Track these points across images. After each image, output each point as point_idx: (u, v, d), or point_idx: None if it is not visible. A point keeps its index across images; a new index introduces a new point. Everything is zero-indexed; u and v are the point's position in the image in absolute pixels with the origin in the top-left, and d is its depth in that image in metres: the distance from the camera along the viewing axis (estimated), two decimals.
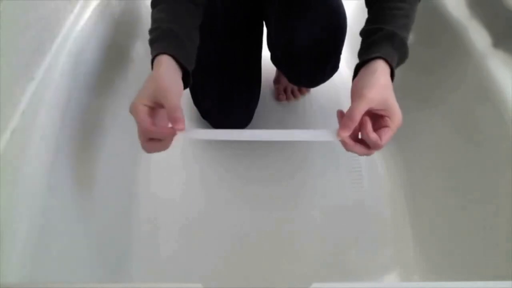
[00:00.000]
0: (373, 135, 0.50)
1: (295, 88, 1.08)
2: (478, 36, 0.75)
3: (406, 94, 0.96)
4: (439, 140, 0.80)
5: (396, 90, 1.03)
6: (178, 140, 0.51)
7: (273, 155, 0.95)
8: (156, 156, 0.90)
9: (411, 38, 0.98)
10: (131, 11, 0.95)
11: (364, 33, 0.60)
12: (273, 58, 0.88)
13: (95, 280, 0.60)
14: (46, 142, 0.54)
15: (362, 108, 0.51)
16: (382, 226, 0.82)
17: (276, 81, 1.11)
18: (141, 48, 0.99)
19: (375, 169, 0.92)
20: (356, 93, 0.53)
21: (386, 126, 0.52)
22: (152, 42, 0.57)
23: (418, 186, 0.83)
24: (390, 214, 0.83)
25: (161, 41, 0.55)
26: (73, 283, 0.54)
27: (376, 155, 0.93)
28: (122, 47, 0.89)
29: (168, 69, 0.54)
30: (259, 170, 0.91)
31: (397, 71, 0.59)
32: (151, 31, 0.58)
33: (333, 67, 0.83)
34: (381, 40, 0.57)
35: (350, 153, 0.56)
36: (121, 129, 0.83)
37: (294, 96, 1.08)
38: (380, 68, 0.55)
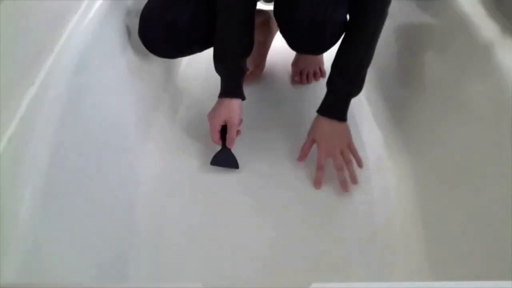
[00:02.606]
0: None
1: (311, 72, 1.13)
2: (486, 25, 0.72)
3: (409, 89, 0.95)
4: (450, 143, 0.78)
5: (399, 84, 1.00)
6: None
7: (276, 157, 0.94)
8: (157, 157, 0.94)
9: (417, 31, 0.95)
10: (137, 12, 0.95)
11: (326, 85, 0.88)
12: (278, 25, 0.91)
13: (95, 280, 0.61)
14: (45, 147, 0.55)
15: (321, 156, 0.86)
16: (391, 233, 0.80)
17: (294, 63, 1.16)
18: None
19: (385, 178, 0.90)
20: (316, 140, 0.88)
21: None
22: (228, 74, 0.88)
23: (429, 191, 0.81)
24: (399, 221, 0.81)
25: (237, 80, 0.88)
26: (73, 283, 0.56)
27: (385, 160, 0.93)
28: (127, 49, 0.89)
29: (239, 109, 0.88)
30: (261, 173, 0.91)
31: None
32: (224, 54, 0.87)
33: (333, 34, 0.85)
34: (327, 98, 0.88)
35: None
36: (122, 132, 0.84)
37: (308, 80, 1.13)
38: (322, 122, 0.87)
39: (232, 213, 0.84)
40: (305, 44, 0.89)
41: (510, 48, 0.67)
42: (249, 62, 1.11)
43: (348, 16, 0.85)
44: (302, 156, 0.90)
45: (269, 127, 1.01)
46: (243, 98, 0.88)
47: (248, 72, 1.10)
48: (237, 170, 0.90)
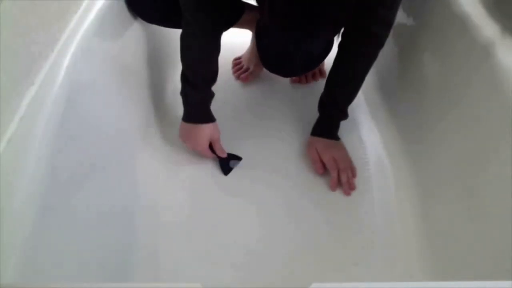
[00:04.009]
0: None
1: (309, 73, 1.13)
2: (486, 25, 0.72)
3: (409, 89, 0.95)
4: (450, 142, 0.78)
5: (399, 84, 1.01)
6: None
7: (275, 157, 0.94)
8: (157, 157, 0.94)
9: (416, 31, 0.96)
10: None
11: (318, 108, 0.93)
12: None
13: (95, 280, 0.61)
14: (45, 147, 0.55)
15: (328, 159, 0.89)
16: (391, 233, 0.80)
17: None
18: (148, 51, 0.99)
19: (385, 178, 0.90)
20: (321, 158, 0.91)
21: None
22: (201, 101, 0.89)
23: (428, 191, 0.81)
24: (399, 221, 0.81)
25: (209, 106, 0.90)
26: (73, 283, 0.56)
27: (385, 160, 0.94)
28: (127, 49, 0.89)
29: (216, 129, 0.91)
30: (260, 174, 0.91)
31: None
32: (197, 81, 0.86)
33: (304, 64, 0.90)
34: (320, 122, 0.93)
35: (359, 163, 0.92)
36: (122, 132, 0.84)
37: (307, 80, 1.13)
38: (317, 139, 0.92)
39: (232, 213, 0.84)
40: (274, 69, 0.96)
41: (510, 48, 0.67)
42: (249, 62, 1.12)
43: (338, 41, 0.86)
44: (319, 168, 0.89)
45: (268, 126, 1.01)
46: (215, 120, 0.91)
47: (248, 72, 1.11)
48: (237, 170, 0.91)
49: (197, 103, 0.89)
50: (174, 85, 1.12)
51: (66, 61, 0.64)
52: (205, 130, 0.89)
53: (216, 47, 0.85)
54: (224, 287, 0.71)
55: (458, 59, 0.78)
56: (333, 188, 0.86)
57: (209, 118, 0.90)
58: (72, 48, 0.66)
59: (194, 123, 0.89)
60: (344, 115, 0.91)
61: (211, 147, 0.91)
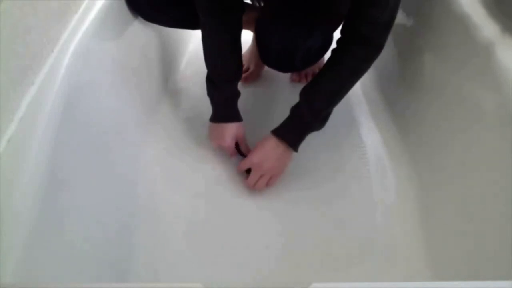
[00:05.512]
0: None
1: (309, 72, 1.14)
2: (486, 25, 0.72)
3: (409, 89, 0.95)
4: (450, 142, 0.78)
5: (399, 84, 1.00)
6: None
7: None
8: (157, 157, 0.93)
9: (416, 31, 0.96)
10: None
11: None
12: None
13: (95, 280, 0.61)
14: (45, 147, 0.55)
15: (245, 162, 0.86)
16: (391, 233, 0.79)
17: None
18: (148, 50, 0.99)
19: (385, 178, 0.90)
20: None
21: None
22: (226, 99, 0.89)
23: (428, 191, 0.81)
24: (399, 221, 0.81)
25: (235, 104, 0.90)
26: (73, 283, 0.56)
27: (385, 160, 0.93)
28: (127, 49, 0.89)
29: (242, 129, 0.91)
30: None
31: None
32: (220, 81, 0.87)
33: (304, 59, 0.88)
34: (285, 121, 0.84)
35: (360, 163, 0.91)
36: (122, 132, 0.84)
37: (307, 79, 1.14)
38: (269, 141, 0.84)
39: (232, 212, 0.84)
40: (274, 65, 0.95)
41: (510, 48, 0.67)
42: (249, 62, 1.12)
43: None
44: (231, 151, 0.91)
45: (268, 126, 1.00)
46: (241, 119, 0.91)
47: (248, 72, 1.11)
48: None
49: (221, 103, 0.89)
50: (175, 84, 1.13)
51: (66, 61, 0.64)
52: (230, 128, 0.89)
53: (231, 45, 0.84)
54: (224, 287, 0.71)
55: (458, 59, 0.78)
56: (250, 187, 0.85)
57: (234, 117, 0.90)
58: (72, 48, 0.67)
59: (219, 122, 0.90)
60: (316, 122, 0.82)
61: (237, 147, 0.92)
